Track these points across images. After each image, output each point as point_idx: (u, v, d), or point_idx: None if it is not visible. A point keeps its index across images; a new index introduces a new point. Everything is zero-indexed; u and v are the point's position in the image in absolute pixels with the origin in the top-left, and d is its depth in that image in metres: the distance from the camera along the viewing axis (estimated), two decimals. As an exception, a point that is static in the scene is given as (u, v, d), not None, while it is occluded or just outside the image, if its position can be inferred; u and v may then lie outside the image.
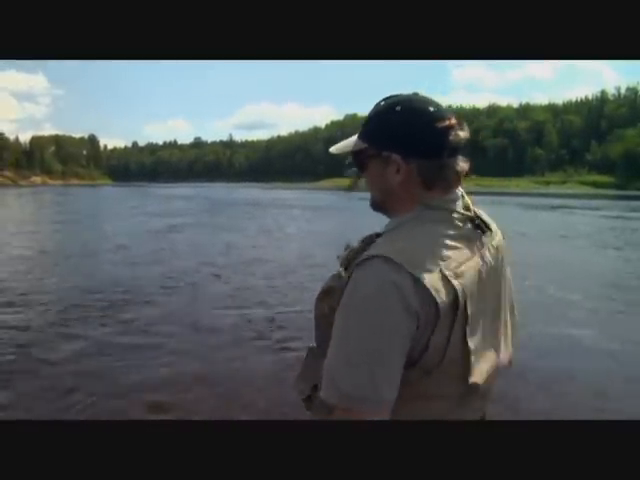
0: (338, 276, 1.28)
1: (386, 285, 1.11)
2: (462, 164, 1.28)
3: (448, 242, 1.21)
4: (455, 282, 1.15)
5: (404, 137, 1.25)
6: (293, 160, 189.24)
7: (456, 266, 1.18)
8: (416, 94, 1.31)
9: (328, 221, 27.04)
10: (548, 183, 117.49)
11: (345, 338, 1.14)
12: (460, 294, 1.16)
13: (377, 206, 1.39)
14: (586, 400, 5.13)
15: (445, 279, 1.14)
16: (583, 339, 7.13)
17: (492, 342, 1.30)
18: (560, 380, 5.50)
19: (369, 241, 1.30)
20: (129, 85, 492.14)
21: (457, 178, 1.29)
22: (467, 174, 1.30)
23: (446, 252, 1.19)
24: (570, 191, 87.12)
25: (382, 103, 1.32)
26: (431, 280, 1.12)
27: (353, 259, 1.24)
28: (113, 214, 33.03)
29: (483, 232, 1.30)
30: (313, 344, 1.43)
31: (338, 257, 1.35)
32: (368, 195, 1.39)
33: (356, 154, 1.36)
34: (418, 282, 1.11)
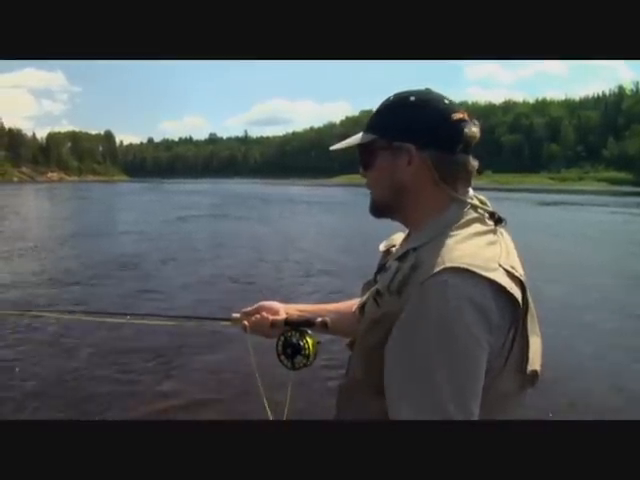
0: (382, 301, 1.20)
1: (464, 301, 1.04)
2: (473, 162, 1.25)
3: (490, 238, 1.18)
4: (517, 273, 1.13)
5: (419, 126, 1.21)
6: (308, 156, 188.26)
7: (506, 259, 1.15)
8: (429, 89, 1.28)
9: (329, 215, 28.65)
10: (564, 180, 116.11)
11: (426, 363, 1.05)
12: (525, 284, 1.13)
13: (382, 207, 1.32)
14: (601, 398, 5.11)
15: (510, 274, 1.11)
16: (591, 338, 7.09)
17: (534, 326, 1.22)
18: (573, 377, 5.48)
19: (411, 257, 1.18)
20: (145, 82, 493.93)
21: (470, 176, 1.25)
22: (478, 172, 1.28)
23: (494, 248, 1.16)
24: (586, 187, 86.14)
25: (392, 96, 1.29)
26: (504, 279, 1.08)
27: (405, 280, 1.14)
28: (131, 207, 35.44)
29: (501, 225, 1.25)
30: (341, 381, 1.39)
31: (376, 280, 1.29)
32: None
33: (363, 148, 1.31)
34: (494, 285, 1.06)
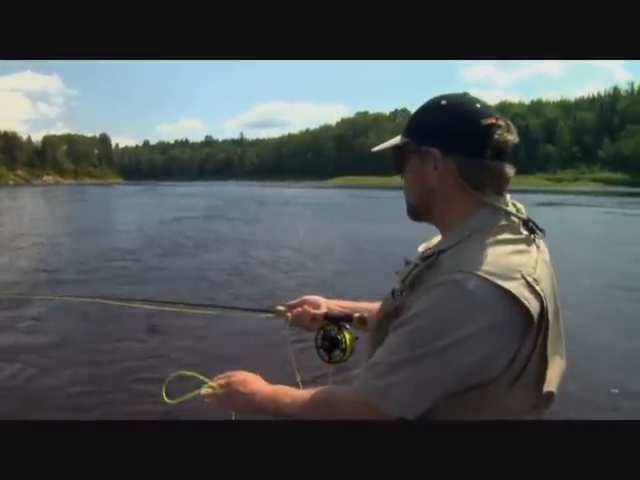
0: (398, 295, 1.22)
1: (469, 305, 1.05)
2: (508, 170, 1.22)
3: (519, 247, 1.16)
4: (537, 288, 1.10)
5: (445, 130, 1.20)
6: (304, 158, 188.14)
7: (533, 271, 1.12)
8: (465, 93, 1.27)
9: (322, 216, 29.17)
10: (560, 180, 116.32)
11: (412, 348, 1.09)
12: (544, 300, 1.11)
13: (416, 211, 1.32)
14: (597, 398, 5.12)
15: (529, 286, 1.09)
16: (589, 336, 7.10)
17: (558, 347, 1.22)
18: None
19: (433, 258, 1.18)
20: (141, 85, 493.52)
21: (502, 183, 1.23)
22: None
23: (521, 258, 1.14)
24: (582, 188, 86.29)
25: (428, 100, 1.28)
26: (519, 290, 1.07)
27: (419, 277, 1.17)
28: (128, 209, 36.71)
29: (535, 234, 1.23)
30: (356, 372, 1.38)
31: (397, 273, 1.28)
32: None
33: (397, 151, 1.31)
34: (508, 294, 1.06)
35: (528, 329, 1.09)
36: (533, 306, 1.09)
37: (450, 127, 1.20)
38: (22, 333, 7.18)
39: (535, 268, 1.14)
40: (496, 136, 1.18)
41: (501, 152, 1.20)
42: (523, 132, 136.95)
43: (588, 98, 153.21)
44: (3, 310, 8.11)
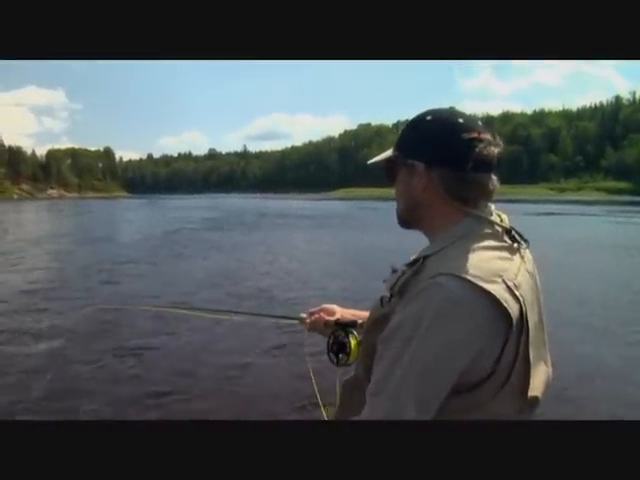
0: (386, 302, 1.24)
1: (458, 306, 1.07)
2: (492, 181, 1.25)
3: (501, 254, 1.19)
4: (517, 293, 1.13)
5: (428, 144, 1.24)
6: (307, 170, 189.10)
7: (514, 277, 1.15)
8: (452, 108, 1.30)
9: (318, 227, 30.33)
10: (563, 190, 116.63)
11: (404, 356, 1.10)
12: (523, 305, 1.13)
13: (404, 220, 1.36)
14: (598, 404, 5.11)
15: (510, 290, 1.12)
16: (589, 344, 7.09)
17: (542, 354, 1.27)
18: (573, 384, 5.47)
19: (418, 264, 1.20)
20: (144, 98, 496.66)
21: (485, 194, 1.25)
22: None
23: (503, 263, 1.17)
24: (585, 197, 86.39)
25: (417, 115, 1.32)
26: (500, 292, 1.09)
27: (406, 283, 1.18)
28: (133, 221, 38.16)
29: (519, 244, 1.25)
30: (347, 377, 1.43)
31: (385, 281, 1.29)
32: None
33: (388, 164, 1.36)
34: (490, 296, 1.08)
35: (509, 331, 1.11)
36: (513, 309, 1.11)
37: (433, 141, 1.24)
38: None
39: (516, 275, 1.17)
40: (477, 150, 1.20)
41: (484, 164, 1.22)
42: (525, 142, 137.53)
43: (590, 107, 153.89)
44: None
